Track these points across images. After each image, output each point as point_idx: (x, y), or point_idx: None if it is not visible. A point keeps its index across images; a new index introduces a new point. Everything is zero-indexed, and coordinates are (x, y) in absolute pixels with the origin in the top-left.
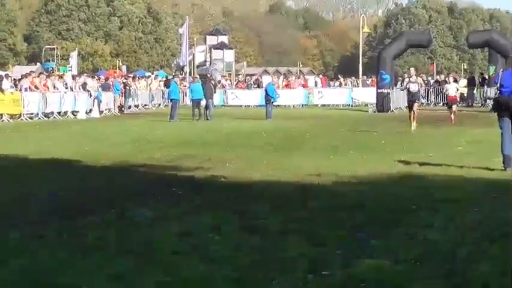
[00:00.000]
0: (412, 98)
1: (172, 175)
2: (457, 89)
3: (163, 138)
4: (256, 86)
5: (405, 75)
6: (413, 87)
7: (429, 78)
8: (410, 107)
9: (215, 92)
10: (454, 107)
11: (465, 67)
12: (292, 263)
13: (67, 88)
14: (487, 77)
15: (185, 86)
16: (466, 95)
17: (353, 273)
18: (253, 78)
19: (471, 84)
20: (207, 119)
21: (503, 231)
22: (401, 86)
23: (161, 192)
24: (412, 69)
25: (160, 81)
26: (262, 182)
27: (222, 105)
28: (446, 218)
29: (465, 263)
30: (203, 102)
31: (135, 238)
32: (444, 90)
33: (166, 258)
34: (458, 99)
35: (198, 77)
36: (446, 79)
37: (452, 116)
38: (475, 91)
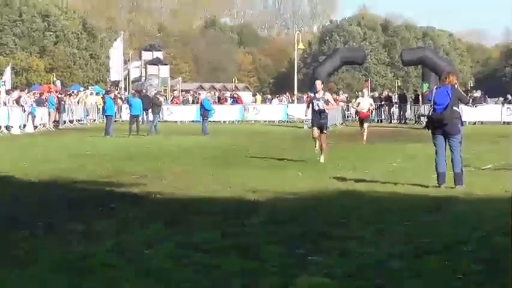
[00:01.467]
0: (320, 119)
1: (107, 191)
2: (371, 104)
3: (99, 153)
4: (195, 101)
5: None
6: (320, 106)
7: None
8: (319, 129)
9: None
10: (366, 125)
11: (399, 84)
12: (229, 280)
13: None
14: (420, 94)
15: (121, 101)
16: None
17: None
18: (190, 93)
19: (402, 101)
20: (148, 134)
21: (432, 245)
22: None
23: (95, 207)
24: (318, 82)
25: (102, 96)
26: (199, 198)
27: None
28: (377, 232)
29: (396, 278)
30: (150, 117)
31: (68, 253)
32: (356, 105)
33: (101, 272)
34: (371, 115)
35: (137, 92)
36: (359, 93)
37: (365, 135)
38: (408, 108)
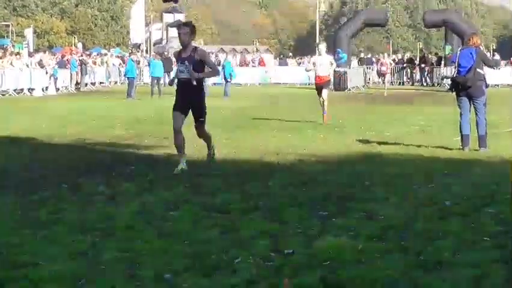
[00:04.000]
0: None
1: (129, 153)
2: (331, 64)
3: (121, 116)
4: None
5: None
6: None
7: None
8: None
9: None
10: (325, 93)
11: (421, 46)
12: (253, 241)
13: (24, 65)
14: (442, 57)
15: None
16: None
17: (316, 251)
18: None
19: (424, 63)
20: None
21: (456, 207)
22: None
23: (117, 169)
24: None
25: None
26: (220, 159)
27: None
28: (400, 194)
29: (420, 239)
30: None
31: (89, 214)
32: (309, 68)
33: (121, 233)
34: (331, 79)
35: (158, 55)
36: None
37: (324, 108)
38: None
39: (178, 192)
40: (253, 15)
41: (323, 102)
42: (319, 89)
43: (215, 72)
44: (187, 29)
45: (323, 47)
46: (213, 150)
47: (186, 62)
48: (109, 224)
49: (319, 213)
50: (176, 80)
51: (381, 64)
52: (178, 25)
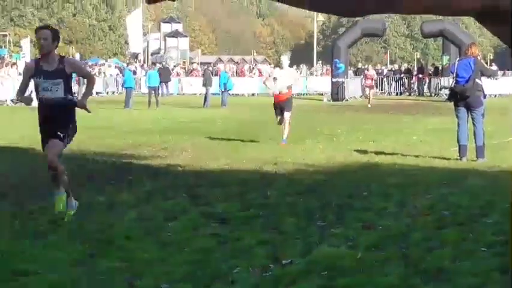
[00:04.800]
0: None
1: (127, 163)
2: (295, 80)
3: (118, 125)
4: (213, 73)
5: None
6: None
7: (383, 67)
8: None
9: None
10: (287, 116)
11: (418, 56)
12: (252, 251)
13: (20, 75)
14: (439, 67)
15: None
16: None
17: (314, 261)
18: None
19: (422, 73)
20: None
21: (454, 217)
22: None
23: (115, 178)
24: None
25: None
26: (219, 170)
27: (178, 94)
28: (398, 204)
29: (419, 249)
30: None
31: (88, 223)
32: (268, 84)
33: (119, 243)
34: (292, 95)
35: (153, 65)
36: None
37: (285, 132)
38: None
39: (176, 202)
40: (252, 25)
41: (284, 123)
42: (278, 108)
43: (93, 82)
44: (48, 33)
45: (285, 59)
46: (70, 194)
47: (55, 77)
48: (108, 233)
49: (317, 223)
50: (34, 99)
51: (366, 77)
52: (37, 29)
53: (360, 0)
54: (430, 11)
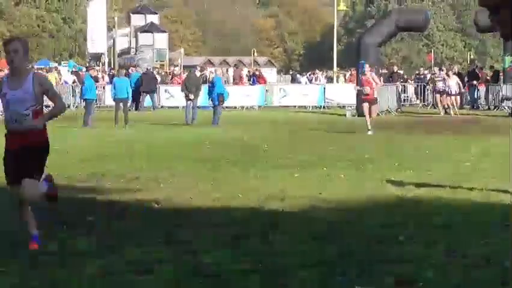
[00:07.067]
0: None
1: (86, 199)
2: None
3: (75, 150)
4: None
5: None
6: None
7: (426, 72)
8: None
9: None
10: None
11: (472, 57)
12: None
13: None
14: (500, 71)
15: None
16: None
17: None
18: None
19: (475, 79)
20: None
21: None
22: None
23: (72, 220)
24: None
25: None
26: (207, 207)
27: (153, 107)
28: (445, 253)
29: None
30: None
31: (32, 281)
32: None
33: None
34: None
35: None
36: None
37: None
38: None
39: (150, 250)
40: (251, 16)
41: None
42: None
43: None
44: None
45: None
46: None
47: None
48: None
49: (337, 278)
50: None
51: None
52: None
53: None
54: None
